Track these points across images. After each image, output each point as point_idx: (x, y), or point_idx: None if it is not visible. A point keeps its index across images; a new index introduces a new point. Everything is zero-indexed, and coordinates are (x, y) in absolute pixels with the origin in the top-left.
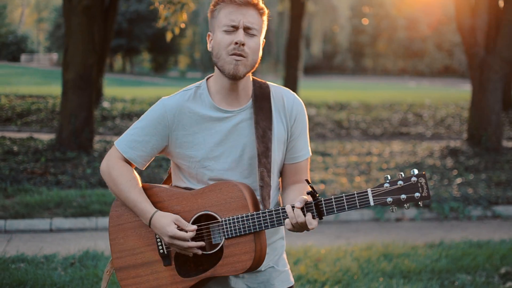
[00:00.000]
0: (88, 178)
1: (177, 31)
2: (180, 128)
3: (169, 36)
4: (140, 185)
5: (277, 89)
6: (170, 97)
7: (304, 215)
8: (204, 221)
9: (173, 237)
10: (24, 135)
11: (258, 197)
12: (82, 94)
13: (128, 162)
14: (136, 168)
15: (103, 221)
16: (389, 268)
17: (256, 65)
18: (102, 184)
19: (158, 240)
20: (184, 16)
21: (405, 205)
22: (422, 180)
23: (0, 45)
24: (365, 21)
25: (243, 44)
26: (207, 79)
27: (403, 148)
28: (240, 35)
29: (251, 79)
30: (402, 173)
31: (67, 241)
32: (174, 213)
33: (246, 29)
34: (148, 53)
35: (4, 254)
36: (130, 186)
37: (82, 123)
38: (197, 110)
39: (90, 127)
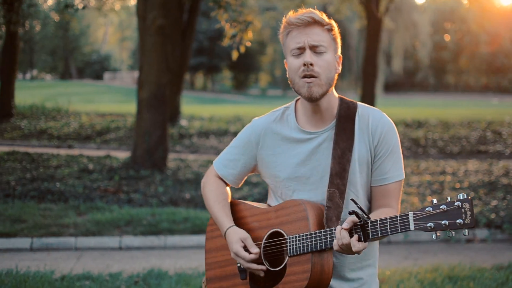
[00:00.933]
0: (160, 197)
1: (242, 49)
2: (266, 148)
3: (235, 55)
4: (228, 200)
5: (365, 109)
6: (260, 117)
7: (351, 236)
8: (277, 238)
9: (236, 254)
10: (102, 153)
11: (324, 218)
12: (156, 113)
13: (222, 179)
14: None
15: (172, 240)
16: None
17: (334, 82)
18: (173, 202)
19: None
20: (250, 35)
21: (448, 232)
22: (467, 206)
23: (84, 64)
24: (447, 37)
25: (311, 64)
26: (296, 101)
27: (479, 167)
28: (307, 56)
29: (337, 97)
30: (449, 197)
31: (135, 259)
32: (251, 229)
33: (313, 48)
34: (229, 71)
35: (71, 272)
36: (216, 200)
37: (156, 142)
38: (281, 131)
39: (164, 146)
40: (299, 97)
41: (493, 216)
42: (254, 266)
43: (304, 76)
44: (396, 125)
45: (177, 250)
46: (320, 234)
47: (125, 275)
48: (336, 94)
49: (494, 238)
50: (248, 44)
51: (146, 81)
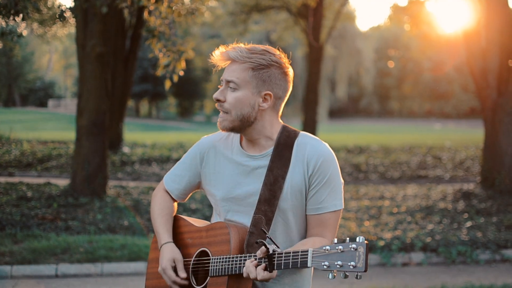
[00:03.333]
0: (98, 224)
1: (175, 78)
2: (208, 166)
3: (167, 84)
4: (171, 215)
5: (305, 138)
6: (209, 135)
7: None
8: (205, 257)
9: (164, 271)
10: (42, 180)
11: (244, 243)
12: (95, 140)
13: (168, 193)
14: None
15: (109, 267)
16: None
17: (250, 118)
18: (111, 229)
19: None
20: (183, 64)
21: (341, 273)
22: (361, 250)
23: (28, 91)
24: (391, 64)
25: (219, 100)
26: None
27: (418, 192)
28: (217, 92)
29: (280, 125)
30: (348, 238)
31: (71, 287)
32: (185, 245)
33: (227, 83)
34: (174, 98)
35: None
36: (159, 214)
37: (95, 169)
38: (224, 151)
39: (104, 173)
40: None
41: (428, 239)
42: (176, 287)
43: (218, 110)
44: (338, 151)
45: (113, 277)
46: (239, 259)
47: None
48: (280, 122)
49: (430, 262)
50: (181, 73)
51: (85, 108)
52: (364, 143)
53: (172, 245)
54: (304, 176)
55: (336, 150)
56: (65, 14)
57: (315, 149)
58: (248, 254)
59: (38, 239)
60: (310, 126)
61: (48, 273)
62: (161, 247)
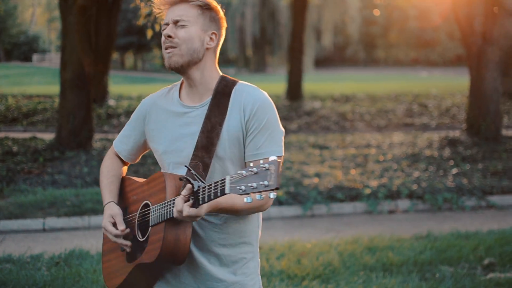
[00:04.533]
0: (84, 177)
1: (157, 28)
2: (151, 122)
3: (149, 33)
4: (118, 177)
5: (242, 86)
6: (151, 94)
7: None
8: (147, 209)
9: (104, 228)
10: (28, 135)
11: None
12: (80, 93)
13: (118, 155)
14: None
15: (96, 220)
16: (371, 262)
17: (199, 55)
18: (97, 182)
19: None
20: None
21: (258, 194)
22: (272, 167)
23: (12, 46)
24: (376, 12)
25: (169, 36)
26: (183, 79)
27: (404, 140)
28: (167, 29)
29: (219, 75)
30: (262, 160)
31: (59, 241)
32: (132, 203)
33: (175, 23)
34: (159, 50)
35: None
36: (105, 176)
37: (80, 122)
38: (164, 105)
39: (89, 126)
40: None
41: (415, 187)
42: (120, 240)
43: (166, 48)
44: (324, 100)
45: (101, 230)
46: (169, 203)
47: (46, 256)
48: (219, 72)
49: (416, 209)
50: (163, 23)
51: (69, 61)
52: (350, 92)
53: (112, 204)
54: (241, 122)
55: (321, 99)
56: None
57: (251, 95)
58: (175, 197)
59: (25, 193)
60: (296, 76)
61: (35, 227)
62: (104, 207)
